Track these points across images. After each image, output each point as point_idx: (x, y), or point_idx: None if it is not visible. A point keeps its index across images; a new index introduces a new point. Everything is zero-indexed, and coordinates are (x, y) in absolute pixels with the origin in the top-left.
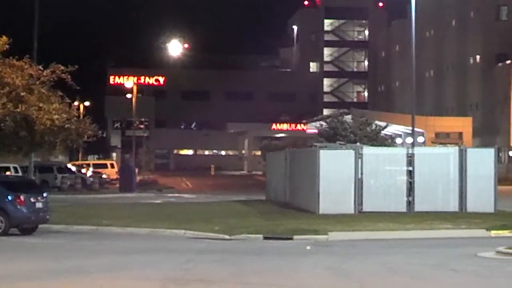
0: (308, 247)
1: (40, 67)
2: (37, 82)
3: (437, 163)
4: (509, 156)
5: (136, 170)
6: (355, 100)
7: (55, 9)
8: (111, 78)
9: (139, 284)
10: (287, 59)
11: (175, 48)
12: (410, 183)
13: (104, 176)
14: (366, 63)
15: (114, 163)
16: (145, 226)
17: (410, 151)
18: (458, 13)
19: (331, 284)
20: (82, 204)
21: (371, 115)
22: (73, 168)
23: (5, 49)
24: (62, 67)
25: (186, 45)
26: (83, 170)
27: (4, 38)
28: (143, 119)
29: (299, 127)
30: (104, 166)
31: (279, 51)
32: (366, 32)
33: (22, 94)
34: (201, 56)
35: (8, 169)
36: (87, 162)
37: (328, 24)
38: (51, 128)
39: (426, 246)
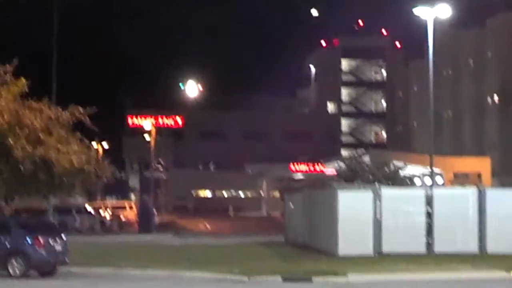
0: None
1: (59, 108)
2: (56, 124)
3: (456, 204)
4: None
5: (155, 211)
6: (373, 140)
7: (73, 51)
8: (130, 119)
9: None
10: (304, 99)
11: (192, 89)
12: (429, 224)
13: (123, 219)
14: (384, 103)
15: (133, 204)
16: (165, 269)
17: (429, 192)
18: (475, 52)
19: None
20: (101, 246)
21: (389, 155)
22: (92, 210)
23: (24, 91)
24: (80, 109)
25: (200, 87)
26: (101, 212)
27: (23, 80)
28: (161, 160)
29: (317, 168)
30: (123, 207)
31: (296, 91)
32: (384, 72)
33: (41, 136)
34: (219, 97)
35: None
36: (106, 203)
37: (345, 64)
38: (69, 170)
39: None
